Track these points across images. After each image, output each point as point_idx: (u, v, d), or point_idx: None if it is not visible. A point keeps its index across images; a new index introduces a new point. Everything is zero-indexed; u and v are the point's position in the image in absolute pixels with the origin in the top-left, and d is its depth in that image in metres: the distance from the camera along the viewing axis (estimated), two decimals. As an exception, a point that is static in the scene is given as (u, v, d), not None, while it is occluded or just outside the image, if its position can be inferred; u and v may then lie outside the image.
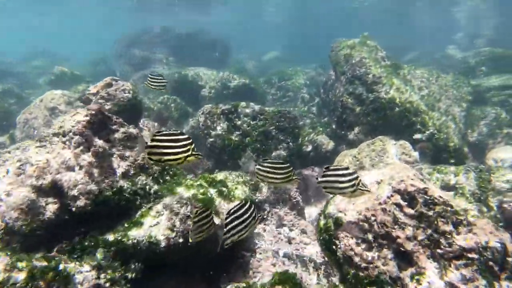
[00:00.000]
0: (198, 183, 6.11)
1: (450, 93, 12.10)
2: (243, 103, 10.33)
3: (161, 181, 6.02)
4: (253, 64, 26.75)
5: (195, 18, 39.26)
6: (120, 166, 5.55)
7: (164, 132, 4.20)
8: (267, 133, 9.70)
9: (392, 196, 4.99)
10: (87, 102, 7.92)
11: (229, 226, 3.94)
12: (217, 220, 5.44)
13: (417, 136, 8.67)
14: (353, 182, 4.32)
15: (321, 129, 12.25)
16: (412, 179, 5.06)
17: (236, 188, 6.67)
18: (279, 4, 36.11)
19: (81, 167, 5.14)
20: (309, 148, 11.71)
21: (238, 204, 4.15)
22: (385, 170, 5.51)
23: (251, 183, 7.53)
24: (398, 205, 4.96)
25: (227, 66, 26.26)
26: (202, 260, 5.61)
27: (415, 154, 8.37)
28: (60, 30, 61.38)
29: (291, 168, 4.88)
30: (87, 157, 5.24)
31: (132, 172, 5.68)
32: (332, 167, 4.57)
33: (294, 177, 4.94)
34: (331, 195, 8.96)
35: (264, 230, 6.97)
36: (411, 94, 9.32)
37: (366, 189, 4.39)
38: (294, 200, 8.39)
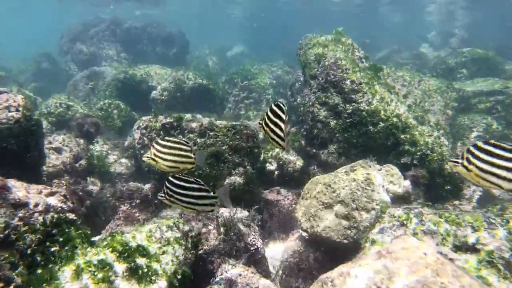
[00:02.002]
0: (100, 258, 3.96)
1: (435, 99, 10.42)
2: (188, 116, 8.19)
3: (39, 259, 3.84)
4: (214, 61, 24.49)
5: (148, 11, 36.46)
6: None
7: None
8: (219, 155, 7.63)
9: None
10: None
11: None
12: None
13: (406, 159, 6.85)
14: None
15: (288, 142, 10.30)
16: None
17: (163, 253, 4.56)
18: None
19: None
20: (274, 166, 9.74)
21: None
22: (392, 265, 3.42)
23: (192, 234, 5.45)
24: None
25: (185, 64, 23.94)
26: None
27: (407, 184, 6.54)
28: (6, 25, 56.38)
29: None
30: None
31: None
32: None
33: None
34: (305, 225, 7.09)
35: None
36: (397, 105, 7.49)
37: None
38: (253, 248, 6.38)
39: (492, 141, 3.02)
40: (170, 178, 3.90)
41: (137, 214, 8.49)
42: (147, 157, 4.27)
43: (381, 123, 7.21)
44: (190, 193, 3.81)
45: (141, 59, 22.44)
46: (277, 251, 8.00)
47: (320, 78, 8.03)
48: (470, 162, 3.06)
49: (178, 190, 3.81)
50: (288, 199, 9.20)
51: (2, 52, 30.17)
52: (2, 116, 5.39)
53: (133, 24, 23.59)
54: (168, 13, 38.17)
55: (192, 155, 4.22)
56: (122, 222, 8.45)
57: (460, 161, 3.14)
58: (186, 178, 3.88)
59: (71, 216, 4.62)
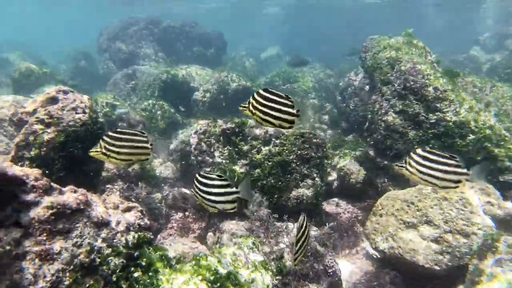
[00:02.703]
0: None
1: (510, 107, 9.55)
2: (251, 121, 7.64)
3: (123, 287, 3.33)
4: (251, 62, 23.96)
5: (183, 9, 36.23)
6: (40, 277, 2.84)
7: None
8: (285, 165, 7.03)
9: None
10: (19, 125, 5.18)
11: None
12: None
13: (508, 177, 6.08)
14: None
15: (347, 151, 9.62)
16: None
17: (252, 281, 4.00)
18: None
19: None
20: (333, 176, 9.11)
21: None
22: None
23: (273, 256, 4.87)
24: None
25: (222, 64, 23.51)
26: None
27: (508, 205, 5.77)
28: (39, 20, 57.31)
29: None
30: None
31: (66, 281, 2.98)
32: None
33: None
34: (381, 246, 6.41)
35: None
36: (486, 115, 6.71)
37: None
38: (331, 271, 5.75)
39: (428, 149, 3.79)
40: (197, 175, 3.66)
41: (192, 224, 8.01)
42: (96, 151, 3.86)
43: (471, 135, 6.47)
44: (211, 190, 3.55)
45: (177, 58, 22.17)
46: (344, 270, 7.35)
47: (396, 84, 7.33)
48: (411, 166, 3.83)
49: (200, 187, 3.57)
50: (348, 212, 8.56)
51: (37, 47, 30.58)
52: (69, 118, 4.94)
53: (171, 24, 23.32)
54: (199, 10, 37.92)
55: (148, 145, 4.00)
56: (175, 232, 7.96)
57: (404, 165, 3.89)
58: (209, 175, 3.63)
59: (149, 235, 4.11)
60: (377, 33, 9.58)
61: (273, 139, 7.39)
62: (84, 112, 5.07)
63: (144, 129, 11.38)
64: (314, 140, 7.17)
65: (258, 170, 7.24)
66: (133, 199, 7.91)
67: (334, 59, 29.54)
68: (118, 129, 3.90)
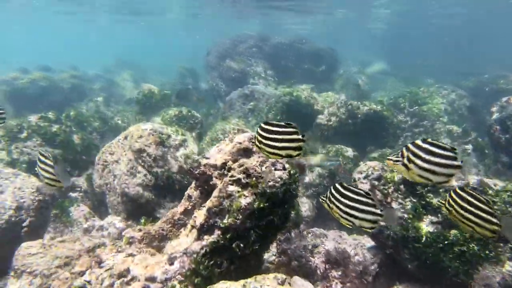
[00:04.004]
0: None
1: None
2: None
3: None
4: (364, 81, 22.23)
5: (290, 25, 35.55)
6: None
7: None
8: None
9: None
10: (202, 180, 4.22)
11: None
12: None
13: None
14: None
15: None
16: None
17: None
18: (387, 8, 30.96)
19: None
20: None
21: None
22: None
23: None
24: None
25: (331, 82, 22.14)
26: None
27: None
28: (141, 39, 61.07)
29: None
30: None
31: None
32: None
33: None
34: None
35: None
36: None
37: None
38: None
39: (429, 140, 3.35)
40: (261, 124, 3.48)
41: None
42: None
43: None
44: (276, 136, 3.35)
45: (286, 76, 21.25)
46: None
47: None
48: (410, 161, 3.34)
49: (265, 135, 3.39)
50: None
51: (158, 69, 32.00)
52: (270, 177, 3.84)
53: (281, 40, 22.56)
54: (304, 25, 37.04)
55: None
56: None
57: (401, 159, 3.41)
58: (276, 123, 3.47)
59: None
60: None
61: (477, 189, 5.75)
62: (284, 169, 3.96)
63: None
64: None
65: (455, 232, 5.66)
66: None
67: (443, 73, 26.69)
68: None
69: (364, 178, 6.53)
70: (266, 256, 6.28)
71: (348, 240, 7.91)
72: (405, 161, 3.34)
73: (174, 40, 60.61)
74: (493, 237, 3.38)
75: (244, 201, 3.69)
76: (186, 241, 3.84)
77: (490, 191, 5.82)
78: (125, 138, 8.76)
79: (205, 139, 11.72)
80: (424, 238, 5.82)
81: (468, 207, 3.41)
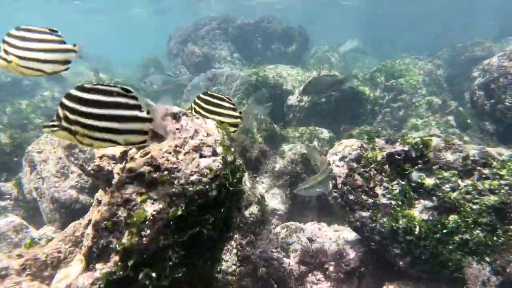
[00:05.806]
0: None
1: None
2: (436, 140, 4.85)
3: None
4: (337, 59, 21.03)
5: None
6: None
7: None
8: (505, 210, 4.22)
9: None
10: (102, 179, 2.87)
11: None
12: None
13: None
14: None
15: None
16: None
17: None
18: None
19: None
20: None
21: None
22: None
23: None
24: None
25: (303, 62, 20.84)
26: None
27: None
28: (103, 29, 57.82)
29: None
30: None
31: None
32: None
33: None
34: None
35: None
36: None
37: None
38: None
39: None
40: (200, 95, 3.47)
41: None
42: None
43: None
44: (216, 109, 3.35)
45: (255, 58, 19.84)
46: None
47: None
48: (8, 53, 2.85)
49: (205, 106, 3.37)
50: None
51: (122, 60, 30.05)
52: (192, 168, 2.51)
53: (245, 21, 21.06)
54: (266, 4, 35.42)
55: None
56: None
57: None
58: (216, 94, 3.48)
59: None
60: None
61: (479, 168, 4.58)
62: (215, 154, 2.63)
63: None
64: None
65: (455, 217, 4.49)
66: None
67: (422, 48, 25.85)
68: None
69: (340, 160, 5.28)
70: (224, 266, 5.01)
71: (327, 232, 6.73)
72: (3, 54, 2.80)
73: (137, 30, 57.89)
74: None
75: (150, 209, 2.36)
76: (76, 272, 2.51)
77: (495, 163, 4.64)
78: (53, 133, 7.27)
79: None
80: (417, 229, 4.63)
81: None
